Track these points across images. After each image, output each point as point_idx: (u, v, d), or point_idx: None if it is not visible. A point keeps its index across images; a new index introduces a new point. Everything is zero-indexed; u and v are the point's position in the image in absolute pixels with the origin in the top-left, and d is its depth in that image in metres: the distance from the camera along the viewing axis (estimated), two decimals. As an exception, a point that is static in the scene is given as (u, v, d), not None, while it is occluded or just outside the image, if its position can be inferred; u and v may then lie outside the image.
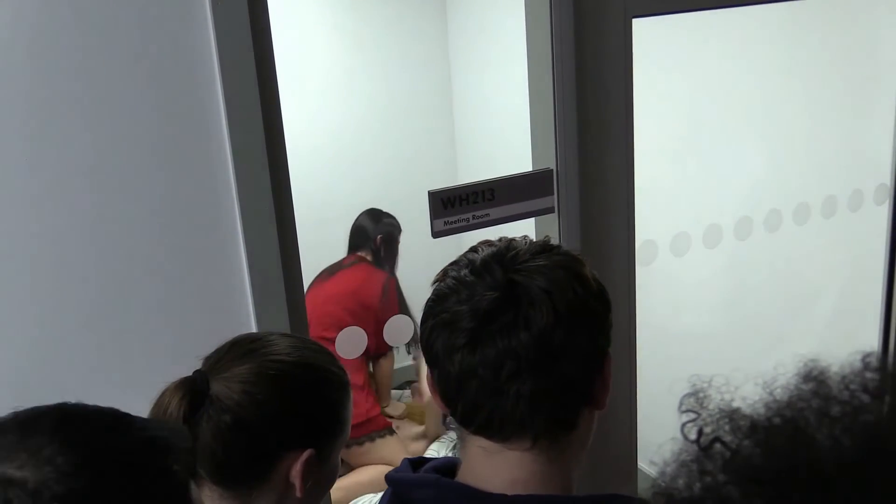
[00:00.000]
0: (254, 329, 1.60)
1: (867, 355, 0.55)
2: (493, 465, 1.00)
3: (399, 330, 1.94)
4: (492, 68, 4.05)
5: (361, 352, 1.98)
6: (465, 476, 1.03)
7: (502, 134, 3.74)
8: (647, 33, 2.04)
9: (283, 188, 1.60)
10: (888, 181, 2.48)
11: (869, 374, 0.53)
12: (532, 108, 1.91)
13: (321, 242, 4.08)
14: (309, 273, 1.86)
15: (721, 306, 3.04)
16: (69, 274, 1.49)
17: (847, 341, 2.79)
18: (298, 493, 1.17)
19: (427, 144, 4.50)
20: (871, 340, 2.62)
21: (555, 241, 1.80)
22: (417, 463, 1.09)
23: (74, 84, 1.43)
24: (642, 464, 2.36)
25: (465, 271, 0.99)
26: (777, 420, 0.53)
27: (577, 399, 0.99)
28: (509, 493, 0.98)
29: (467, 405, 0.98)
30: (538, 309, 0.94)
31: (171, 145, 1.50)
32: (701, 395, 0.58)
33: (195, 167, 1.53)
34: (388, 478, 1.09)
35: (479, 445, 1.00)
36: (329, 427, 1.22)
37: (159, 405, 1.15)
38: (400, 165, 4.34)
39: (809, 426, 0.51)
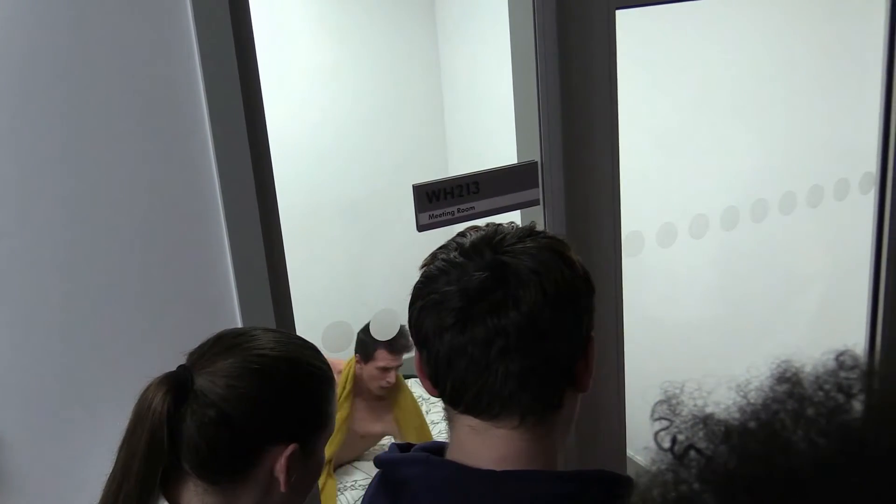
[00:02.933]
0: (239, 324, 1.60)
1: (841, 354, 0.54)
2: (482, 443, 1.02)
3: (384, 324, 1.95)
4: (481, 60, 4.06)
5: (347, 347, 1.98)
6: (454, 455, 1.05)
7: (493, 127, 3.75)
8: (633, 24, 2.04)
9: (267, 183, 1.60)
10: (873, 170, 2.48)
11: (843, 374, 0.53)
12: (516, 100, 1.91)
13: (309, 236, 4.10)
14: (295, 267, 1.86)
15: (710, 296, 3.05)
16: (52, 269, 1.49)
17: (835, 329, 2.80)
18: (283, 488, 1.18)
19: (417, 138, 4.51)
20: (858, 328, 2.63)
21: (541, 227, 1.82)
22: (404, 447, 1.11)
23: (51, 81, 1.43)
24: (631, 452, 2.37)
25: (454, 254, 1.02)
26: (752, 424, 0.53)
27: (562, 379, 1.02)
28: (497, 469, 1.00)
29: (456, 384, 1.00)
30: (527, 288, 0.96)
31: (153, 140, 1.50)
32: (673, 401, 0.58)
33: (177, 162, 1.53)
34: (377, 460, 1.11)
35: (468, 424, 1.02)
36: (313, 421, 1.23)
37: (143, 400, 1.15)
38: (390, 160, 4.34)
39: (785, 429, 0.51)
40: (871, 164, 2.48)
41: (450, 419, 1.05)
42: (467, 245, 1.02)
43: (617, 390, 2.14)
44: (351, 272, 4.03)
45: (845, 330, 2.71)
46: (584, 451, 2.10)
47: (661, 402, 0.57)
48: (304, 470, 1.22)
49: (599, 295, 1.73)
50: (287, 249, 1.67)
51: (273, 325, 1.61)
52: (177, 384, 1.14)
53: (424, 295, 1.02)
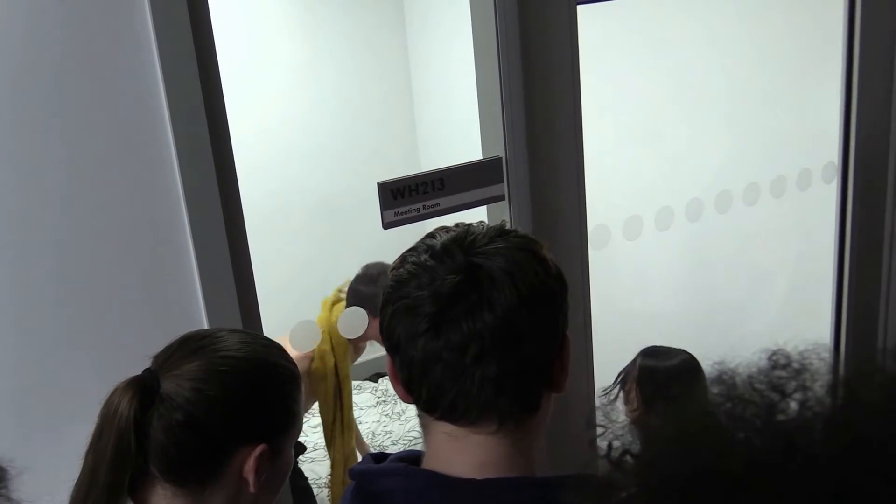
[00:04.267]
0: (205, 325, 1.59)
1: (774, 353, 0.55)
2: (459, 450, 1.00)
3: (352, 323, 1.95)
4: (450, 55, 4.06)
5: (314, 346, 1.98)
6: (431, 463, 1.02)
7: (464, 121, 3.76)
8: (597, 19, 2.05)
9: (230, 182, 1.60)
10: (835, 160, 2.52)
11: (777, 372, 0.53)
12: (479, 96, 1.92)
13: (278, 234, 4.09)
14: (263, 265, 1.86)
15: (678, 287, 3.07)
16: (9, 272, 1.48)
17: (801, 317, 2.84)
18: (252, 489, 1.18)
19: (387, 134, 4.50)
20: (824, 315, 2.66)
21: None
22: (378, 457, 1.09)
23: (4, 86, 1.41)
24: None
25: (424, 256, 0.99)
26: (688, 427, 0.53)
27: (540, 381, 1.00)
28: (477, 477, 0.98)
29: (431, 390, 0.98)
30: (501, 290, 0.94)
31: (112, 142, 1.49)
32: (608, 408, 0.58)
33: (137, 163, 1.52)
34: (352, 471, 1.09)
35: (444, 431, 1.00)
36: (281, 421, 1.23)
37: (109, 405, 1.15)
38: (360, 156, 4.33)
39: (721, 430, 0.51)
40: (833, 154, 2.51)
41: (425, 426, 1.03)
42: (438, 247, 1.00)
43: (587, 384, 2.15)
44: (320, 270, 4.02)
45: (811, 317, 2.75)
46: (553, 444, 2.12)
47: (596, 409, 0.57)
48: (272, 470, 1.22)
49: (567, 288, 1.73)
50: (255, 247, 1.66)
51: (239, 325, 1.61)
52: (143, 388, 1.13)
53: (395, 300, 0.99)
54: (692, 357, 2.49)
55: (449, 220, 1.77)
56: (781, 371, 0.53)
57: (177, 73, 1.49)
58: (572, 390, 2.11)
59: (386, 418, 4.12)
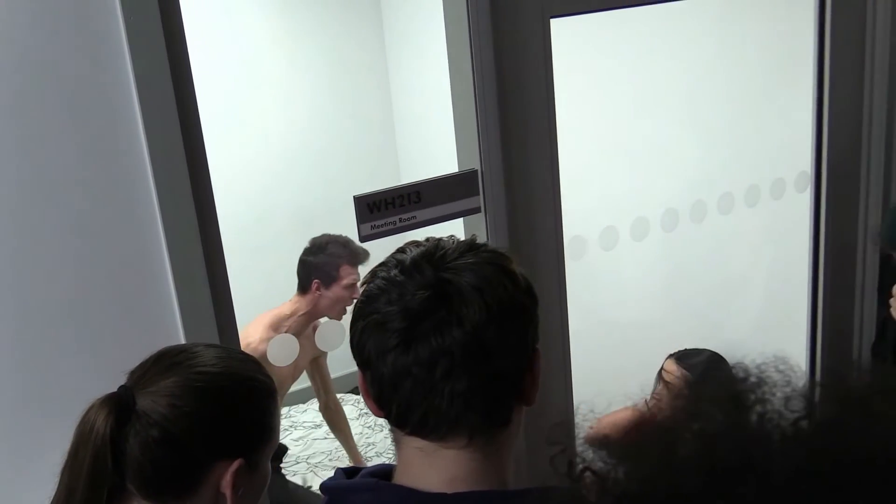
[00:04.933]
0: (181, 340, 1.59)
1: (733, 366, 0.56)
2: (430, 464, 1.00)
3: (330, 335, 1.95)
4: (428, 66, 4.06)
5: (293, 360, 1.99)
6: (402, 478, 1.03)
7: (444, 132, 3.77)
8: (571, 30, 2.07)
9: (206, 198, 1.60)
10: (808, 169, 2.55)
11: (739, 387, 0.53)
12: (455, 109, 1.93)
13: (258, 246, 4.08)
14: (242, 278, 1.87)
15: (655, 296, 3.10)
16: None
17: (778, 323, 2.87)
18: (230, 503, 1.18)
19: (367, 146, 4.51)
20: (799, 323, 2.69)
21: (482, 240, 1.83)
22: (350, 472, 1.09)
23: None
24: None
25: (394, 271, 0.99)
26: (644, 443, 0.53)
27: (510, 395, 1.01)
28: (447, 491, 0.99)
29: (402, 406, 0.98)
30: (470, 306, 0.94)
31: (88, 154, 1.49)
32: (569, 425, 0.59)
33: (112, 176, 1.51)
34: (323, 487, 1.09)
35: (415, 446, 1.01)
36: (258, 436, 1.23)
37: (85, 422, 1.15)
38: (340, 169, 4.33)
39: (682, 446, 0.51)
40: (806, 163, 2.54)
41: (396, 441, 1.03)
42: (407, 262, 1.00)
43: (565, 394, 2.17)
44: (296, 282, 4.00)
45: (787, 324, 2.77)
46: (534, 459, 2.12)
47: (556, 426, 0.58)
48: (250, 484, 1.22)
49: (544, 300, 1.75)
50: (231, 260, 1.66)
51: (216, 338, 1.61)
52: (119, 405, 1.14)
53: (365, 315, 0.99)
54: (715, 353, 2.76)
55: (426, 232, 1.79)
56: (740, 384, 0.54)
57: (151, 87, 1.49)
58: (551, 401, 2.12)
59: (368, 430, 4.12)
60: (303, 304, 3.12)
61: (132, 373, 1.20)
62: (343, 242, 3.13)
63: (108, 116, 1.49)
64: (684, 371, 2.79)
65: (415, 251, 1.02)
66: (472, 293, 0.95)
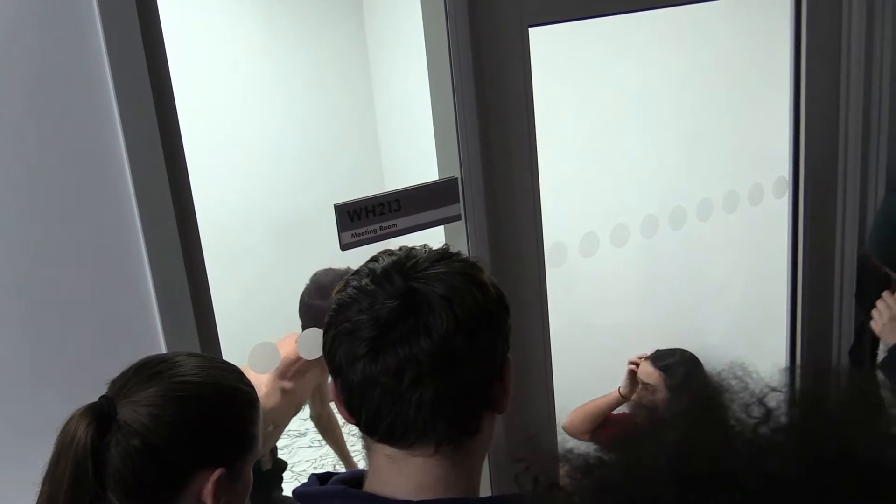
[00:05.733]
0: (163, 348, 1.59)
1: (699, 375, 0.56)
2: (399, 472, 1.02)
3: (312, 343, 1.96)
4: (411, 72, 4.08)
5: (273, 367, 1.99)
6: (372, 485, 1.04)
7: (428, 137, 3.78)
8: (550, 39, 2.09)
9: (186, 205, 1.60)
10: (786, 174, 2.57)
11: (704, 395, 0.55)
12: (435, 118, 1.95)
13: (240, 255, 4.08)
14: (221, 285, 1.87)
15: (638, 301, 3.12)
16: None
17: (758, 328, 2.89)
18: (211, 513, 1.19)
19: (350, 153, 4.51)
20: (779, 325, 2.71)
21: (463, 248, 1.85)
22: (324, 477, 1.11)
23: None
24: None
25: (365, 280, 1.01)
26: (611, 456, 0.54)
27: (479, 404, 1.02)
28: (415, 499, 1.00)
29: (370, 414, 1.00)
30: (438, 315, 0.96)
31: (65, 161, 1.49)
32: (533, 440, 0.59)
33: (91, 184, 1.52)
34: (295, 493, 1.10)
35: (384, 454, 1.02)
36: (239, 445, 1.24)
37: (66, 432, 1.15)
38: (323, 176, 4.34)
39: (646, 457, 0.52)
40: (784, 168, 2.57)
41: (367, 447, 1.05)
42: (378, 271, 1.02)
43: (546, 400, 2.18)
44: (277, 289, 3.99)
45: (767, 329, 2.80)
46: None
47: (520, 443, 0.58)
48: (231, 493, 1.23)
49: (525, 306, 1.77)
50: (211, 267, 1.67)
51: (197, 347, 1.61)
52: (100, 415, 1.14)
53: (337, 323, 1.01)
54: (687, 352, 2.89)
55: (407, 240, 1.80)
56: (705, 392, 0.55)
57: (130, 92, 1.49)
58: (532, 407, 2.14)
59: (353, 438, 4.12)
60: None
61: (113, 382, 1.21)
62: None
63: (87, 121, 1.49)
64: (661, 372, 2.84)
65: (386, 260, 1.04)
66: (440, 303, 0.97)
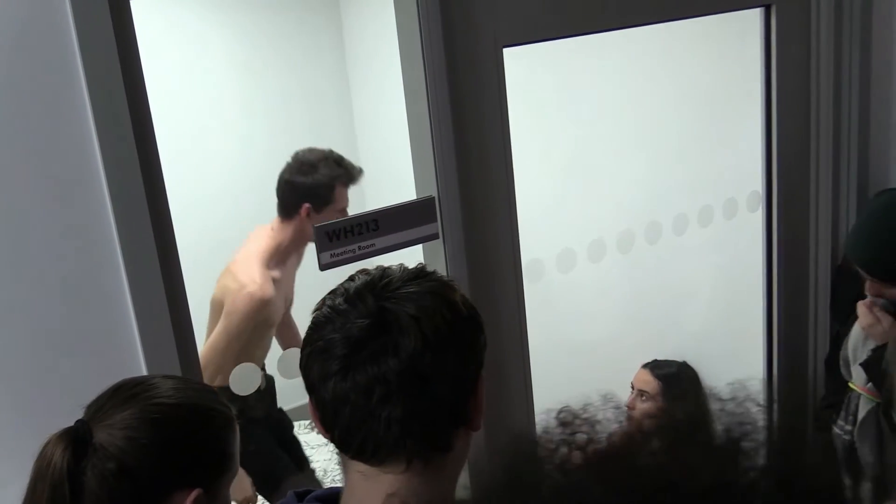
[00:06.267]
0: (143, 371, 1.60)
1: (560, 411, 0.59)
2: (370, 488, 1.04)
3: (292, 363, 1.97)
4: (390, 89, 4.10)
5: (255, 388, 2.00)
6: (347, 501, 1.06)
7: (406, 149, 3.80)
8: (525, 58, 2.12)
9: (164, 223, 1.61)
10: (759, 189, 2.61)
11: (562, 429, 0.58)
12: (412, 138, 1.97)
13: (219, 268, 4.07)
14: (199, 301, 1.89)
15: (616, 316, 3.14)
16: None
17: (735, 340, 2.92)
18: (188, 533, 1.19)
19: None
20: (756, 338, 2.74)
21: (441, 266, 1.87)
22: (302, 494, 1.13)
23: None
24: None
25: (339, 300, 1.04)
26: (493, 499, 0.56)
27: (451, 421, 1.04)
28: None
29: (342, 431, 1.02)
30: (406, 335, 0.98)
31: (42, 179, 1.50)
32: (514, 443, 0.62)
33: (68, 200, 1.52)
34: None
35: (358, 470, 1.04)
36: (216, 465, 1.25)
37: (43, 457, 1.15)
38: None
39: (525, 491, 0.55)
40: (757, 183, 2.60)
41: (342, 464, 1.07)
42: (352, 291, 1.04)
43: (526, 415, 2.20)
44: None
45: (743, 341, 2.83)
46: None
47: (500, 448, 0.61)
48: (209, 514, 1.24)
49: (503, 322, 1.79)
50: (192, 289, 1.67)
51: (177, 370, 1.62)
52: (75, 439, 1.15)
53: (312, 342, 1.03)
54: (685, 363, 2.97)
55: (386, 259, 1.82)
56: (566, 427, 0.58)
57: (106, 114, 1.51)
58: (512, 422, 2.15)
59: (337, 456, 4.11)
60: (288, 233, 2.76)
61: (89, 406, 1.21)
62: (336, 160, 2.79)
63: (64, 145, 1.50)
64: (659, 381, 2.87)
65: (360, 280, 1.06)
66: (409, 322, 0.99)
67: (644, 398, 2.91)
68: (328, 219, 2.52)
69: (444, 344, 1.00)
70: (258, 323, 2.63)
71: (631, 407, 2.91)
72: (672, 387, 2.88)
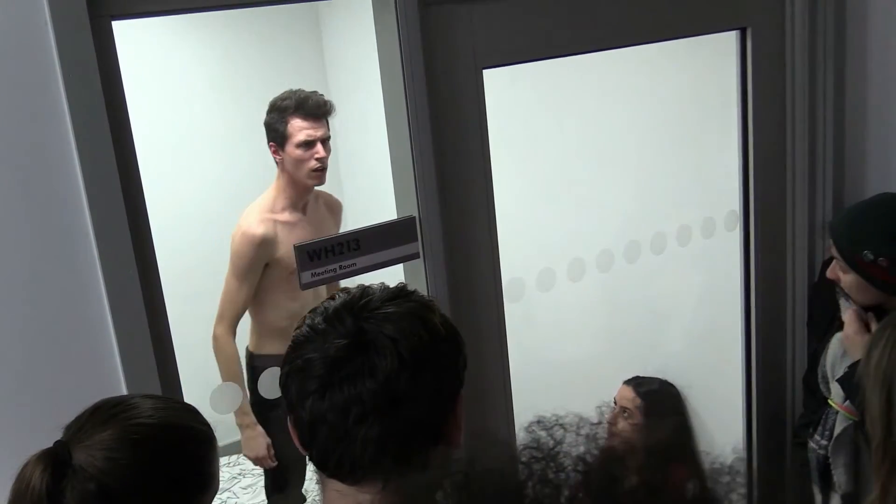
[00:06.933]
0: (122, 384, 1.59)
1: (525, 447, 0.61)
2: None
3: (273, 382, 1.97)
4: (373, 112, 4.10)
5: (236, 408, 2.00)
6: None
7: (387, 169, 3.81)
8: (505, 79, 2.14)
9: (145, 243, 1.62)
10: (736, 208, 2.64)
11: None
12: (392, 158, 1.99)
13: (211, 295, 4.06)
14: (180, 321, 1.88)
15: (596, 334, 3.16)
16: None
17: (714, 359, 2.94)
18: (168, 550, 1.19)
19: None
20: (734, 356, 2.76)
21: (422, 285, 1.88)
22: None
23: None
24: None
25: (318, 319, 1.04)
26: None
27: (428, 440, 1.04)
28: None
29: (320, 450, 1.03)
30: (383, 356, 0.98)
31: (23, 201, 1.50)
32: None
33: (49, 221, 1.52)
34: None
35: (335, 489, 1.05)
36: (197, 484, 1.25)
37: (21, 479, 1.15)
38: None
39: None
40: (735, 202, 2.63)
41: (320, 482, 1.07)
42: (331, 311, 1.04)
43: (507, 433, 2.20)
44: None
45: (722, 359, 2.85)
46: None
47: (458, 460, 0.62)
48: (190, 532, 1.24)
49: (484, 341, 1.79)
50: (181, 312, 1.67)
51: (158, 390, 1.62)
52: (54, 461, 1.14)
53: (291, 361, 1.04)
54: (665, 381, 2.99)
55: (367, 279, 1.82)
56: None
57: (89, 136, 1.51)
58: (497, 438, 2.16)
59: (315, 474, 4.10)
60: (281, 177, 2.83)
61: (68, 427, 1.21)
62: (291, 93, 2.82)
63: (46, 173, 1.50)
64: (642, 399, 2.88)
65: (340, 299, 1.07)
66: (386, 343, 0.99)
67: (626, 415, 2.91)
68: (294, 156, 2.71)
69: (422, 365, 1.01)
70: (263, 263, 2.70)
71: (613, 423, 2.92)
72: (653, 404, 2.90)
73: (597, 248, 2.49)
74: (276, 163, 2.81)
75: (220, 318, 2.79)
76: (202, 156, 4.22)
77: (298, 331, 1.06)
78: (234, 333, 2.80)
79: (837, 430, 2.18)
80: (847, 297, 2.19)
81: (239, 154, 4.28)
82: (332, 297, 1.09)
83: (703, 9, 2.38)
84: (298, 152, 2.73)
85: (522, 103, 2.84)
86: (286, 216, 2.81)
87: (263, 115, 4.23)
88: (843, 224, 2.19)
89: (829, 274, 2.21)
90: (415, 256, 1.95)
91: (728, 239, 2.66)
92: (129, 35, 2.16)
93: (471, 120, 2.00)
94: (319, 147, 2.76)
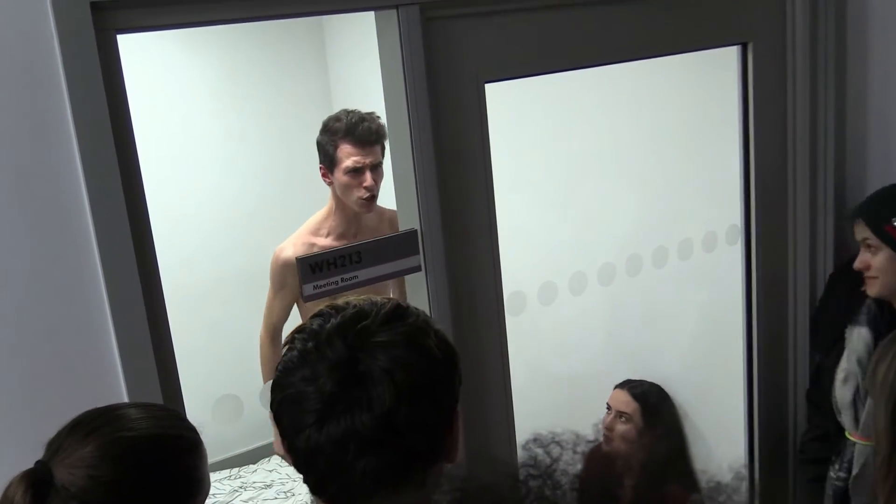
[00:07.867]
0: (123, 391, 1.59)
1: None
2: None
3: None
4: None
5: (238, 419, 2.00)
6: None
7: (389, 182, 3.82)
8: (507, 92, 2.15)
9: (147, 251, 1.62)
10: (738, 222, 2.64)
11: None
12: (395, 172, 1.99)
13: (209, 308, 4.07)
14: (182, 329, 1.88)
15: (597, 348, 3.16)
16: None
17: (715, 374, 2.94)
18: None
19: (315, 203, 4.52)
20: (736, 371, 2.75)
21: (423, 298, 1.87)
22: None
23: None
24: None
25: (310, 344, 1.01)
26: None
27: (427, 462, 1.03)
28: None
29: (317, 479, 1.02)
30: (379, 390, 0.96)
31: (28, 217, 1.51)
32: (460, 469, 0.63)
33: (53, 240, 1.53)
34: None
35: None
36: (184, 492, 1.23)
37: (5, 499, 1.13)
38: (288, 228, 4.33)
39: None
40: (736, 216, 2.63)
41: (315, 502, 1.07)
42: (323, 336, 1.01)
43: (509, 450, 2.19)
44: (238, 334, 3.92)
45: (724, 374, 2.84)
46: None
47: (451, 471, 0.62)
48: (180, 541, 1.22)
49: (486, 354, 1.79)
50: (183, 323, 1.67)
51: (158, 391, 1.61)
52: (36, 481, 1.13)
53: (283, 387, 1.02)
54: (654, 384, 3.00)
55: (369, 291, 1.83)
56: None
57: (94, 154, 1.52)
58: (494, 453, 2.16)
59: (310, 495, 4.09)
60: (332, 199, 2.73)
61: (50, 443, 1.19)
62: (345, 113, 2.69)
63: (51, 183, 1.51)
64: (638, 403, 2.90)
65: (334, 319, 1.03)
66: (382, 376, 0.97)
67: (623, 419, 2.90)
68: (341, 182, 2.61)
69: (419, 395, 0.99)
70: (292, 285, 2.66)
71: (609, 429, 2.91)
72: (649, 405, 2.90)
73: (598, 262, 2.49)
74: (327, 185, 2.73)
75: (263, 323, 2.82)
76: (204, 165, 4.22)
77: (288, 355, 1.04)
78: (276, 338, 2.77)
79: (858, 462, 2.15)
80: (865, 311, 2.17)
81: (242, 164, 4.30)
82: (321, 314, 1.06)
83: (705, 24, 2.39)
84: (346, 179, 2.63)
85: (525, 117, 2.85)
86: (329, 241, 2.73)
87: (264, 127, 4.31)
88: (870, 201, 2.22)
89: (857, 264, 2.17)
90: (416, 269, 1.96)
91: (730, 253, 2.66)
92: (132, 45, 2.17)
93: (473, 133, 2.01)
94: (368, 175, 2.63)
